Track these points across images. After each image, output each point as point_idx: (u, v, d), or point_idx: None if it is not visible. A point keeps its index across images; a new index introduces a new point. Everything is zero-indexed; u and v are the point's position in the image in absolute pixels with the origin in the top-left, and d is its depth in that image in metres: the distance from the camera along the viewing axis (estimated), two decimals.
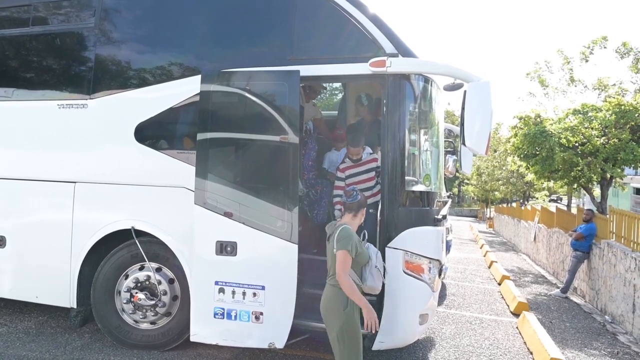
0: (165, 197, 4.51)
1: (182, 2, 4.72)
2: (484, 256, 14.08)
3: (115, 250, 4.70)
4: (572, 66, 11.84)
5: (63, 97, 4.89)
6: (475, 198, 44.27)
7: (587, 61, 11.73)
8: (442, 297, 7.86)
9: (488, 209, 37.24)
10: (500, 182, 28.56)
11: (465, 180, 38.92)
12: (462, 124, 3.82)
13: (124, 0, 4.90)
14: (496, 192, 30.62)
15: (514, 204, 28.49)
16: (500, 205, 31.45)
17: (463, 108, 3.83)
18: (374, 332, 3.25)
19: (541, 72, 12.47)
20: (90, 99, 4.75)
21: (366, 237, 3.61)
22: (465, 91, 3.86)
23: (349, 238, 3.20)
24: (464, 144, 3.82)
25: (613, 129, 9.48)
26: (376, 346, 3.97)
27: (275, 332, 3.99)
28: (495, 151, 28.46)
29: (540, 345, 5.15)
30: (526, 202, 29.10)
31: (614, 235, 8.24)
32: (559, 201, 28.37)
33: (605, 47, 11.45)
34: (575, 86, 11.89)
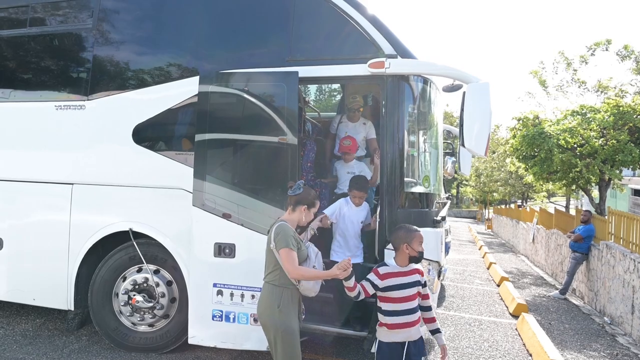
0: (163, 198, 4.49)
1: (180, 3, 4.71)
2: (483, 257, 14.07)
3: (112, 252, 4.68)
4: (575, 67, 11.89)
5: (61, 98, 4.87)
6: (474, 199, 44.31)
7: (586, 63, 11.76)
8: (441, 298, 7.84)
9: (487, 210, 37.27)
10: (498, 183, 28.60)
11: (464, 182, 38.96)
12: (461, 125, 3.81)
13: (121, 2, 4.89)
14: (495, 194, 30.65)
15: (512, 205, 28.51)
16: (499, 207, 31.48)
17: (462, 109, 3.81)
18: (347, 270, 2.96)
19: (544, 72, 12.50)
20: (88, 100, 4.73)
21: (308, 237, 3.52)
22: (464, 92, 3.85)
23: (284, 234, 3.09)
24: (463, 145, 3.81)
25: (611, 130, 9.50)
26: (375, 348, 3.95)
27: None
28: (494, 152, 28.51)
29: (540, 347, 5.14)
30: (524, 204, 29.13)
31: (612, 236, 8.24)
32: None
33: (607, 50, 11.50)
34: (579, 87, 11.93)
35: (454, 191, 47.82)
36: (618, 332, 6.87)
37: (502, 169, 27.02)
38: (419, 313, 3.18)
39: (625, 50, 11.13)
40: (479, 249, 16.53)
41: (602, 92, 11.42)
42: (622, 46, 11.19)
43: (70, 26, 5.01)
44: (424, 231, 4.06)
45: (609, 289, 7.67)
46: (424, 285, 3.24)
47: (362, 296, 3.13)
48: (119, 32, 4.85)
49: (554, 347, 5.18)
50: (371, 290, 3.13)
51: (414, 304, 3.14)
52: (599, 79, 11.61)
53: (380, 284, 3.11)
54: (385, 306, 3.13)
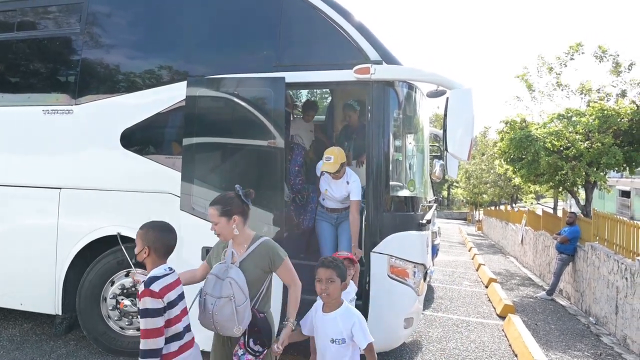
0: (151, 203, 4.50)
1: (168, 8, 4.74)
2: (472, 259, 14.20)
3: (101, 257, 4.68)
4: (558, 71, 12.03)
5: (48, 103, 4.86)
6: (465, 201, 44.62)
7: (565, 66, 11.92)
8: (429, 300, 7.92)
9: (477, 212, 37.57)
10: (488, 185, 28.86)
11: (455, 183, 39.25)
12: (444, 131, 3.89)
13: (110, 6, 4.90)
14: (484, 195, 30.93)
15: (502, 207, 28.78)
16: (488, 208, 31.77)
17: (445, 115, 3.90)
18: None
19: (529, 75, 12.64)
20: (76, 104, 4.74)
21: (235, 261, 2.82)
22: (447, 98, 3.93)
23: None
24: (446, 149, 3.89)
25: (596, 134, 9.67)
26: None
27: None
28: (483, 154, 28.78)
29: (525, 348, 5.22)
30: (513, 205, 29.43)
31: (597, 238, 8.39)
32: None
33: (583, 53, 11.64)
34: (562, 90, 12.08)
35: (445, 193, 48.14)
36: (603, 332, 6.99)
37: (492, 171, 27.27)
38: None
39: (601, 51, 11.19)
40: (469, 251, 16.67)
41: (585, 94, 11.57)
42: (597, 46, 11.24)
43: (58, 30, 5.02)
44: (409, 234, 4.17)
45: (594, 289, 7.80)
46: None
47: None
48: (107, 37, 4.86)
49: (539, 347, 5.27)
50: None
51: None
52: (581, 81, 11.73)
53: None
54: None
